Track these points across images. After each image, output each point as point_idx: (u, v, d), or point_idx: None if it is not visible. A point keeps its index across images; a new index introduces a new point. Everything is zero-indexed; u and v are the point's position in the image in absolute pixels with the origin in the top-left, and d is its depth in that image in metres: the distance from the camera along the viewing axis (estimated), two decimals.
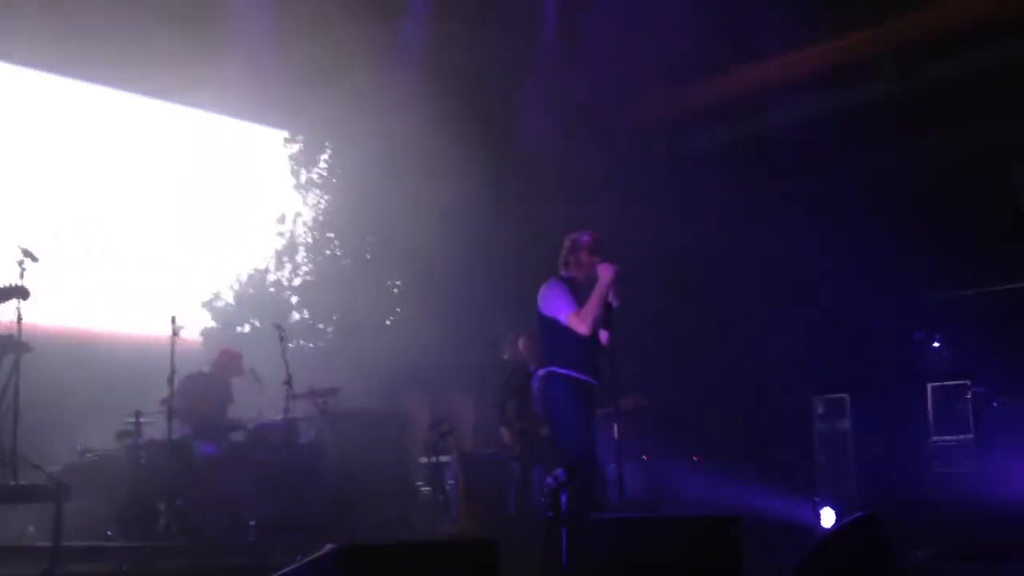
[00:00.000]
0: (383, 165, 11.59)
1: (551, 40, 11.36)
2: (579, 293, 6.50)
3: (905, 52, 10.15)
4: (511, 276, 10.37)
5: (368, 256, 12.47)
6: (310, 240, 12.57)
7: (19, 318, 7.67)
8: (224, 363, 9.52)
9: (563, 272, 6.68)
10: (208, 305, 12.01)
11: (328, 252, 12.57)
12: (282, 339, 9.11)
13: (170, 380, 8.32)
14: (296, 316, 12.28)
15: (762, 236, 10.40)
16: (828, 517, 8.91)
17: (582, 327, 6.34)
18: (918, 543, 7.65)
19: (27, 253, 7.68)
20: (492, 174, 11.49)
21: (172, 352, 8.31)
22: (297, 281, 12.54)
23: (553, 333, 6.49)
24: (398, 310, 12.52)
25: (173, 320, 8.52)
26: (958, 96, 10.00)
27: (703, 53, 10.40)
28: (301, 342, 11.53)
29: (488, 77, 11.34)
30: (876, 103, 10.43)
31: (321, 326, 12.34)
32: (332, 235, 12.54)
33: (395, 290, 12.56)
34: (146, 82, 11.15)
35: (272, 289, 12.42)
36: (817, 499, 9.21)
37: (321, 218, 12.60)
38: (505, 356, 9.84)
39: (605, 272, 6.42)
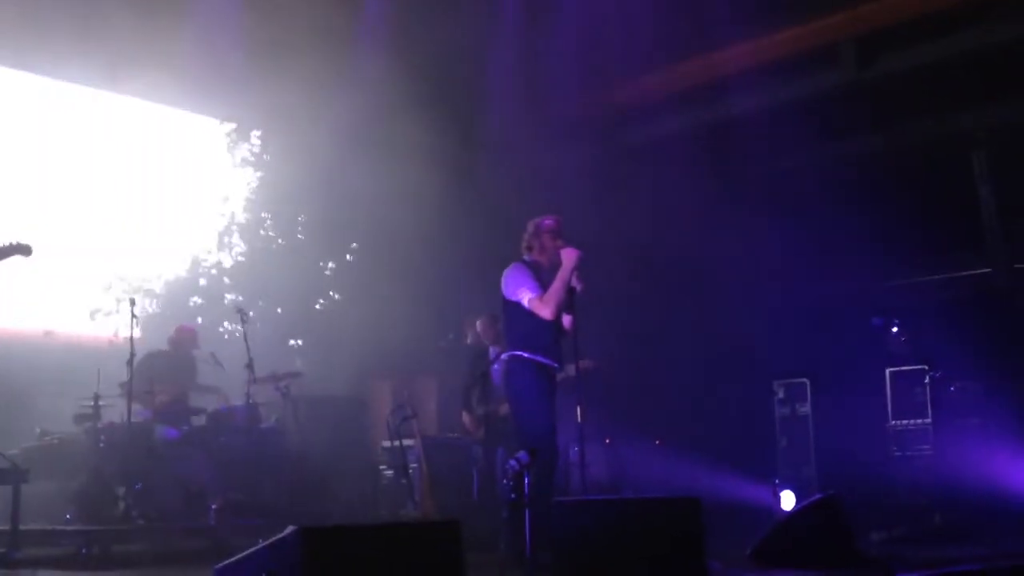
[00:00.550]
0: (341, 146, 11.48)
1: (514, 27, 11.33)
2: (542, 277, 6.52)
3: (865, 41, 10.21)
4: (474, 260, 10.37)
5: (300, 237, 12.36)
6: (243, 220, 12.46)
7: None
8: (181, 340, 9.47)
9: (526, 256, 6.69)
10: (149, 293, 11.90)
11: (261, 232, 12.47)
12: (244, 322, 9.06)
13: (129, 363, 8.25)
14: (228, 297, 12.19)
15: (723, 223, 10.45)
16: (788, 500, 9.00)
17: (545, 311, 6.36)
18: (876, 525, 7.77)
19: None
20: (455, 159, 11.45)
21: (132, 335, 8.23)
22: (229, 263, 12.44)
23: (517, 317, 6.50)
24: (332, 294, 12.44)
25: (132, 303, 8.45)
26: (918, 85, 10.08)
27: (663, 41, 10.41)
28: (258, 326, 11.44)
29: (452, 63, 11.29)
30: (835, 92, 10.49)
31: (279, 311, 12.26)
32: (266, 215, 12.42)
33: (327, 272, 12.48)
34: (87, 71, 10.95)
35: (214, 271, 12.33)
36: (777, 482, 9.30)
37: (253, 197, 12.48)
38: (468, 341, 9.83)
39: (568, 256, 6.44)
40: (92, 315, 11.30)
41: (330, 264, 12.49)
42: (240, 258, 12.41)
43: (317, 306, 12.41)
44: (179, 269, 12.27)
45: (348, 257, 12.46)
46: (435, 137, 11.02)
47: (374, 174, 11.16)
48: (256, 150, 12.53)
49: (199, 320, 11.42)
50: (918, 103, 10.23)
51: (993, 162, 10.12)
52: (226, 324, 11.67)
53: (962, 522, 8.20)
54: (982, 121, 10.22)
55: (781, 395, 10.15)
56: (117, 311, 11.03)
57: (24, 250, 4.54)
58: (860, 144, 10.85)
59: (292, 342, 12.23)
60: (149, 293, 11.86)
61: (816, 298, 10.20)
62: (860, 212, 9.81)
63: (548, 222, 6.71)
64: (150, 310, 11.66)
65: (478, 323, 9.17)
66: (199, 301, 12.01)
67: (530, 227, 6.73)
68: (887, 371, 9.49)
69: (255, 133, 12.48)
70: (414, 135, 10.91)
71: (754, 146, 10.54)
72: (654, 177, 10.83)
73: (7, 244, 4.51)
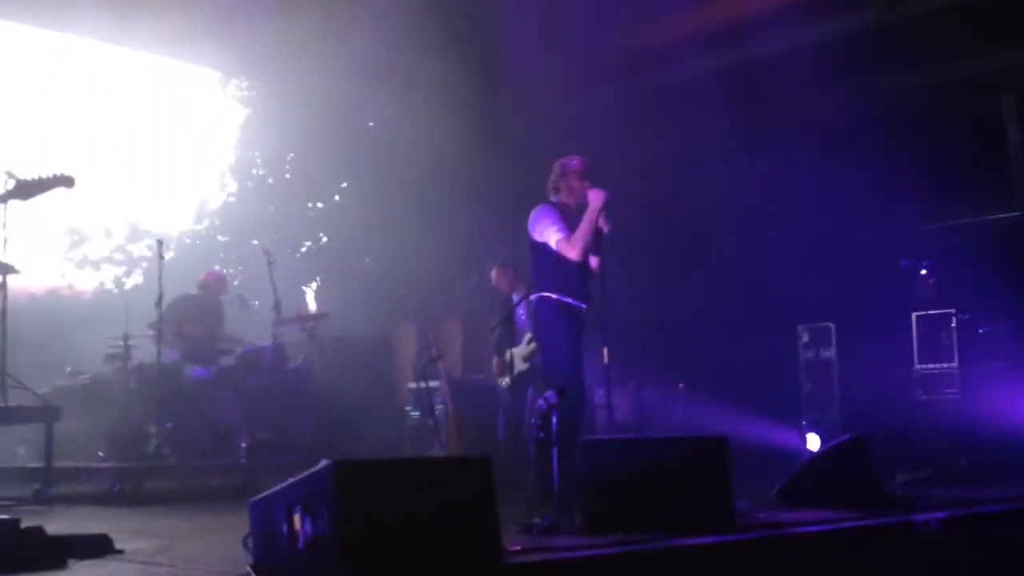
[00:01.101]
0: (356, 83, 11.39)
1: None
2: (569, 218, 6.49)
3: None
4: (499, 202, 10.34)
5: (288, 176, 12.32)
6: (232, 160, 12.43)
7: (4, 240, 7.65)
8: (210, 284, 9.55)
9: (552, 198, 6.66)
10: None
11: (253, 171, 12.44)
12: (269, 263, 9.11)
13: (158, 304, 8.32)
14: (221, 239, 12.20)
15: (750, 165, 10.37)
16: (814, 442, 9.02)
17: (572, 252, 6.35)
18: (901, 468, 7.78)
19: (10, 175, 7.62)
20: (478, 99, 11.38)
21: (160, 275, 8.29)
22: (217, 204, 12.43)
23: (544, 258, 6.49)
24: (320, 235, 12.42)
25: (159, 244, 8.50)
26: (946, 26, 9.90)
27: None
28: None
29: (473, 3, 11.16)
30: (864, 32, 10.33)
31: (301, 252, 12.29)
32: (256, 154, 12.37)
33: (312, 214, 12.44)
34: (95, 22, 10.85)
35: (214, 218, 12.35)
36: (804, 424, 9.31)
37: (242, 136, 12.45)
38: (493, 284, 9.86)
39: (595, 197, 6.41)
40: (97, 265, 11.36)
41: (319, 204, 12.35)
42: (231, 199, 12.39)
43: (323, 242, 12.37)
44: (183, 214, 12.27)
45: (337, 198, 12.24)
46: (457, 76, 10.93)
47: (393, 114, 11.10)
48: (245, 90, 12.40)
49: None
50: (946, 44, 10.06)
51: (1022, 103, 9.98)
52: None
53: (987, 465, 8.20)
54: (1010, 61, 10.06)
55: (806, 339, 10.13)
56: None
57: (67, 181, 4.54)
58: (888, 86, 10.68)
59: (308, 287, 12.26)
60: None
61: (842, 241, 10.11)
62: (888, 154, 9.71)
63: (574, 163, 6.67)
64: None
65: (493, 271, 9.15)
66: (196, 243, 12.01)
67: (556, 167, 6.70)
68: (913, 315, 9.44)
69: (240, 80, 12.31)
70: (434, 72, 10.81)
71: (781, 88, 10.39)
72: (680, 119, 10.74)
73: (51, 176, 4.52)
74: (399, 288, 11.54)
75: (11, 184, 5.07)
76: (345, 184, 12.41)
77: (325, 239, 12.54)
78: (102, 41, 11.29)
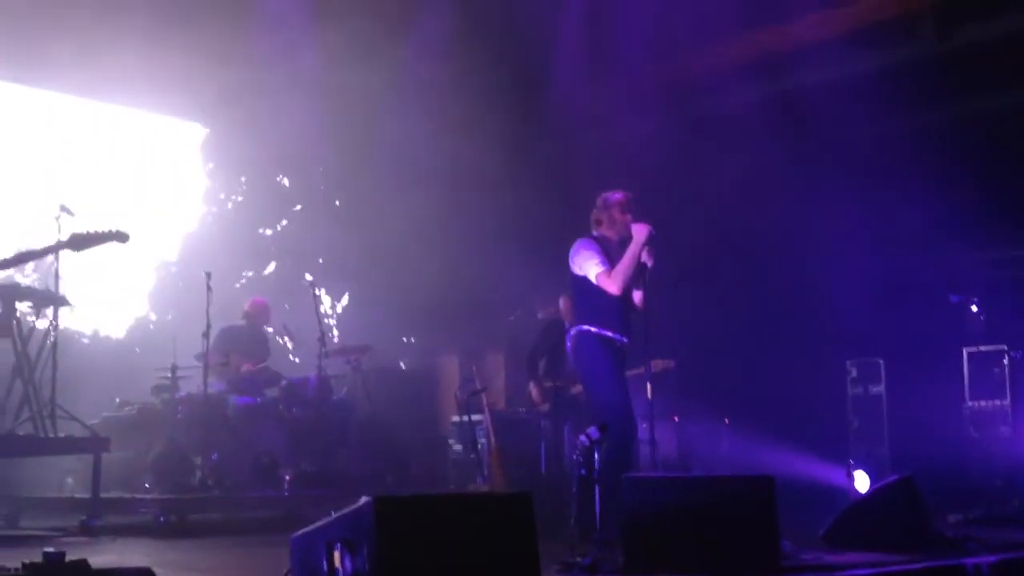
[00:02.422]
0: (401, 116, 11.46)
1: None
2: (611, 252, 6.47)
3: (944, 12, 9.96)
4: (543, 235, 10.34)
5: (337, 203, 12.34)
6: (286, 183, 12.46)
7: (56, 273, 7.79)
8: (255, 313, 9.59)
9: (594, 231, 6.64)
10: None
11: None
12: (315, 296, 9.18)
13: (205, 334, 8.40)
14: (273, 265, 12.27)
15: (797, 197, 10.29)
16: (862, 481, 8.88)
17: (613, 286, 6.31)
18: (952, 507, 7.63)
19: (64, 209, 7.77)
20: (519, 131, 11.41)
21: (208, 307, 8.37)
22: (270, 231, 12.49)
23: (584, 292, 6.47)
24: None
25: (208, 276, 8.58)
26: (998, 56, 9.80)
27: (736, 9, 10.26)
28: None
29: (516, 31, 11.21)
30: (913, 63, 10.24)
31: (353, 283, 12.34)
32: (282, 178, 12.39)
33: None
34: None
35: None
36: (852, 462, 9.18)
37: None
38: (539, 315, 9.84)
39: (639, 231, 6.38)
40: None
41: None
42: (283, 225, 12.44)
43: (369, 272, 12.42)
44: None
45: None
46: (498, 107, 10.99)
47: (436, 144, 11.16)
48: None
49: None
50: (997, 74, 9.95)
51: None
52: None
53: None
54: None
55: (854, 374, 10.00)
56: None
57: (122, 237, 4.61)
58: (939, 116, 10.57)
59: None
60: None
61: (891, 275, 10.00)
62: (938, 186, 9.58)
63: (617, 196, 6.64)
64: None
65: (561, 301, 9.14)
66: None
67: (599, 201, 6.68)
68: (964, 350, 9.29)
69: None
70: (475, 104, 10.88)
71: (831, 118, 10.32)
72: (725, 150, 10.69)
73: (106, 231, 4.59)
74: (442, 320, 11.55)
75: (65, 235, 5.17)
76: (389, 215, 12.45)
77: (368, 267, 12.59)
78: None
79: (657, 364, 6.70)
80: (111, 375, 9.60)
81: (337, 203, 12.57)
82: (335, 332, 11.83)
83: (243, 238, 12.14)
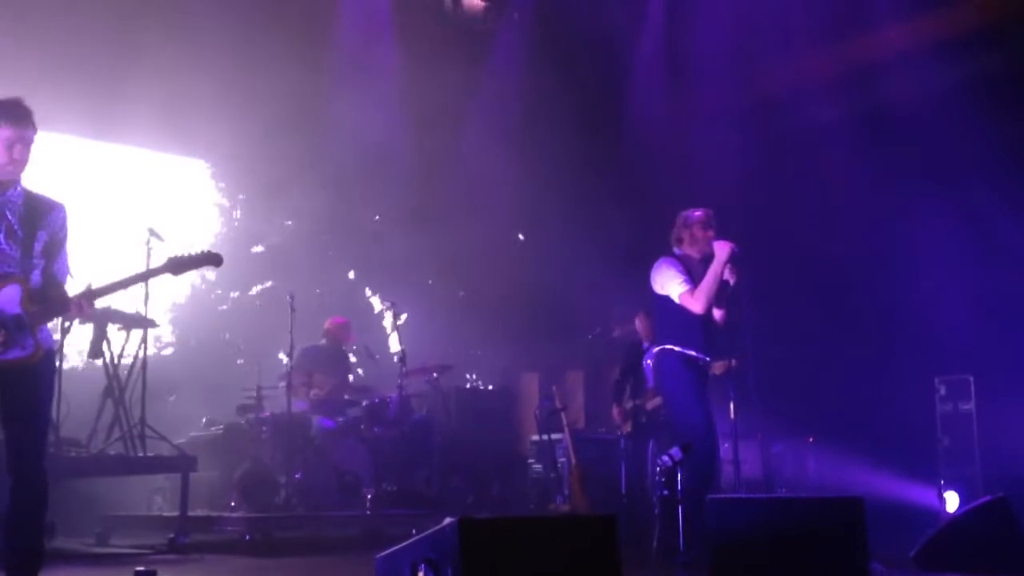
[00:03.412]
0: (476, 128, 11.46)
1: (661, 9, 11.21)
2: (692, 270, 6.41)
3: None
4: (623, 253, 10.31)
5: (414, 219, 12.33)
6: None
7: (146, 296, 7.99)
8: (335, 332, 9.67)
9: (676, 249, 6.58)
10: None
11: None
12: (395, 316, 9.25)
13: (288, 354, 8.53)
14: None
15: (883, 211, 10.10)
16: (953, 501, 8.65)
17: (696, 305, 6.24)
18: None
19: (153, 233, 7.97)
20: (601, 148, 11.40)
21: (291, 327, 8.49)
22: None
23: (666, 311, 6.41)
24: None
25: (291, 297, 8.71)
26: None
27: (819, 23, 10.13)
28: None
29: (597, 45, 11.21)
30: (1004, 71, 10.00)
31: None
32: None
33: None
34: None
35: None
36: (941, 483, 8.94)
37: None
38: (615, 333, 9.79)
39: (721, 249, 6.31)
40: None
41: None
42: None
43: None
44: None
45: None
46: (577, 124, 10.98)
47: (517, 163, 11.17)
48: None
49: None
50: None
51: None
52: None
53: None
54: None
55: (943, 392, 9.76)
56: None
57: (216, 260, 4.69)
58: None
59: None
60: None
61: (982, 289, 9.74)
62: None
63: (698, 214, 6.58)
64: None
65: (637, 319, 9.09)
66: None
67: (679, 219, 6.62)
68: None
69: None
70: (554, 120, 10.89)
71: (918, 130, 10.13)
72: (809, 166, 10.54)
73: (202, 253, 4.67)
74: (522, 338, 11.55)
75: (160, 259, 5.30)
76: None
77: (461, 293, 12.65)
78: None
79: (719, 367, 6.57)
80: (196, 396, 9.78)
81: (414, 219, 12.62)
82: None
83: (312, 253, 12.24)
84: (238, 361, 10.64)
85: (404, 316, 9.32)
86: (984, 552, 5.69)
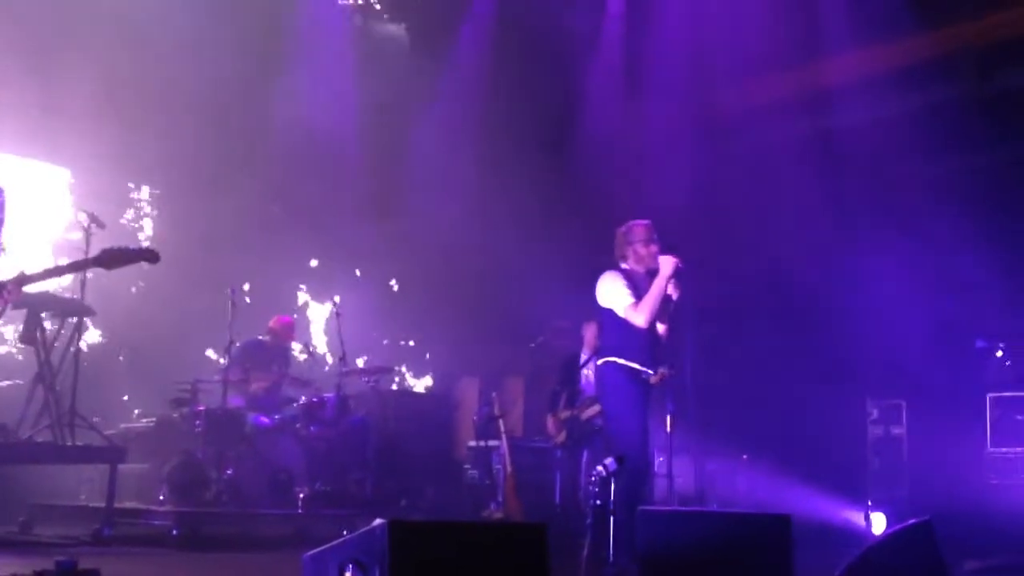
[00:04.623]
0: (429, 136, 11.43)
1: (618, 24, 11.29)
2: (637, 284, 6.43)
3: (987, 53, 9.92)
4: (568, 263, 10.34)
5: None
6: None
7: (83, 282, 7.85)
8: (278, 330, 9.60)
9: (621, 264, 6.60)
10: None
11: None
12: (337, 315, 9.19)
13: (227, 349, 8.44)
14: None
15: (824, 236, 10.25)
16: (879, 523, 8.79)
17: (639, 319, 6.27)
18: (970, 554, 7.53)
19: (93, 218, 7.84)
20: (550, 164, 11.43)
21: (231, 322, 8.40)
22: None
23: (611, 324, 6.44)
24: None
25: (232, 291, 8.62)
26: None
27: (773, 46, 10.26)
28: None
29: (553, 58, 11.26)
30: (953, 105, 10.20)
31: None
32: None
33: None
34: None
35: None
36: (869, 504, 9.08)
37: None
38: (538, 340, 9.89)
39: (666, 264, 6.35)
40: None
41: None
42: None
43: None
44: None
45: None
46: (528, 136, 11.00)
47: (466, 173, 11.17)
48: None
49: None
50: None
51: None
52: None
53: None
54: None
55: (875, 415, 9.92)
56: None
57: (152, 256, 4.63)
58: (973, 160, 10.52)
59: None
60: None
61: (917, 317, 9.93)
62: (968, 229, 9.53)
63: (638, 228, 6.59)
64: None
65: (587, 329, 9.09)
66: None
67: (619, 235, 6.62)
68: (988, 396, 9.20)
69: None
70: (505, 132, 10.89)
71: (862, 158, 10.30)
72: (759, 186, 10.67)
73: (137, 249, 4.60)
74: (465, 343, 11.54)
75: (95, 250, 5.22)
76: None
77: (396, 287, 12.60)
78: None
79: (656, 376, 6.60)
80: (129, 386, 9.64)
81: (358, 210, 12.55)
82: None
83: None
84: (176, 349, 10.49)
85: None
86: (907, 574, 5.77)
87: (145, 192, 11.32)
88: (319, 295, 12.07)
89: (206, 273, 10.50)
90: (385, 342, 12.45)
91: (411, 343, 12.47)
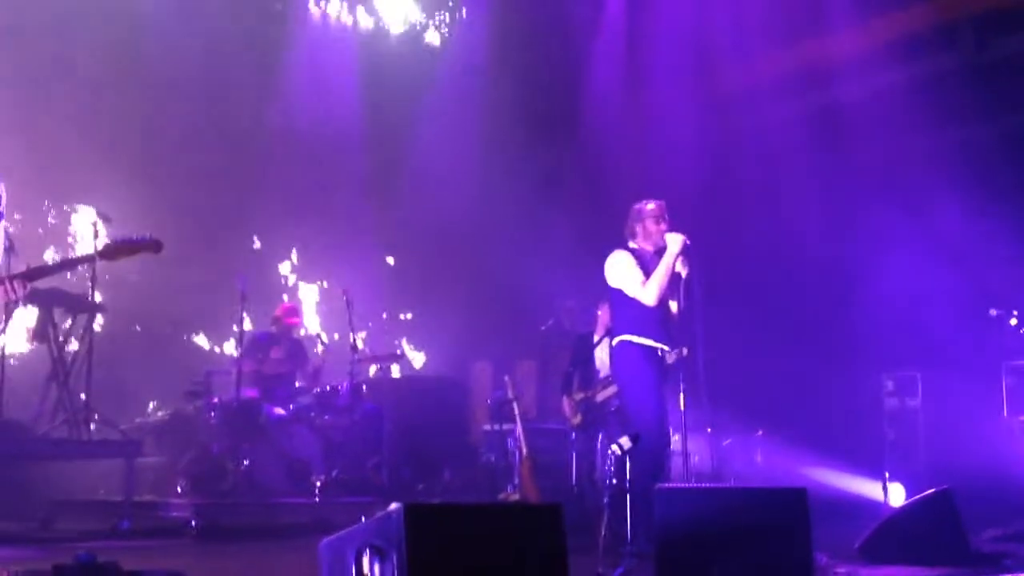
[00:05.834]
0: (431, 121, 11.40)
1: (622, 3, 11.24)
2: (645, 263, 6.41)
3: (983, 22, 9.84)
4: (578, 245, 10.32)
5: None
6: None
7: (93, 278, 7.87)
8: (281, 316, 9.59)
9: (630, 242, 6.58)
10: None
11: None
12: (348, 304, 9.19)
13: (238, 341, 8.45)
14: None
15: (835, 209, 10.21)
16: (897, 494, 8.77)
17: (648, 298, 6.25)
18: (989, 522, 7.51)
19: (102, 215, 7.85)
20: (555, 144, 11.39)
21: (240, 314, 8.41)
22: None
23: (622, 303, 6.41)
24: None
25: (241, 281, 8.63)
26: None
27: (778, 22, 10.20)
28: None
29: (555, 38, 11.22)
30: (953, 75, 10.13)
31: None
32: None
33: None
34: None
35: None
36: (887, 475, 9.06)
37: None
38: (549, 323, 9.87)
39: (673, 242, 6.32)
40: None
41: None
42: None
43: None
44: None
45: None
46: (532, 117, 10.96)
47: (471, 155, 11.13)
48: None
49: None
50: None
51: None
52: None
53: None
54: None
55: (890, 387, 9.89)
56: None
57: (155, 246, 4.61)
58: (980, 129, 10.45)
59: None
60: None
61: (930, 287, 9.88)
62: (978, 199, 9.47)
63: (649, 207, 6.56)
64: None
65: (600, 310, 9.08)
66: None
67: (632, 212, 6.60)
68: (1003, 364, 9.15)
69: None
70: (508, 114, 10.84)
71: (868, 131, 10.24)
72: (763, 163, 10.62)
73: (140, 239, 4.58)
74: (476, 327, 11.53)
75: (100, 243, 5.23)
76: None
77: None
78: None
79: (670, 356, 6.58)
80: (144, 380, 9.66)
81: (363, 194, 12.55)
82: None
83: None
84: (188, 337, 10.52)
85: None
86: (927, 544, 5.76)
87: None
88: (308, 275, 12.09)
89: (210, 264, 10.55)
90: (384, 315, 12.45)
91: (409, 315, 12.46)
